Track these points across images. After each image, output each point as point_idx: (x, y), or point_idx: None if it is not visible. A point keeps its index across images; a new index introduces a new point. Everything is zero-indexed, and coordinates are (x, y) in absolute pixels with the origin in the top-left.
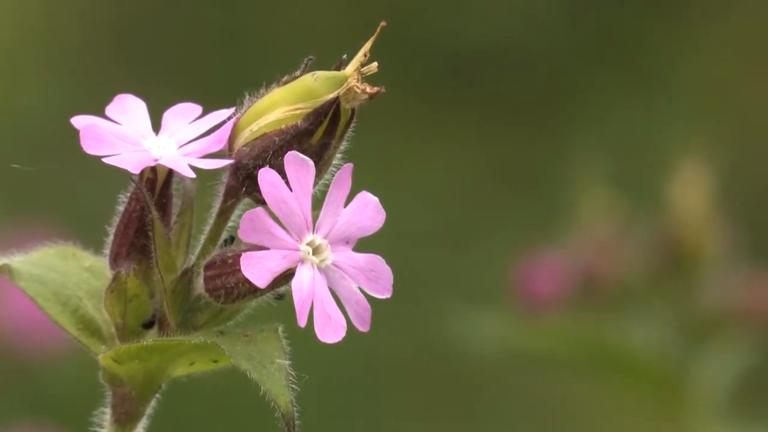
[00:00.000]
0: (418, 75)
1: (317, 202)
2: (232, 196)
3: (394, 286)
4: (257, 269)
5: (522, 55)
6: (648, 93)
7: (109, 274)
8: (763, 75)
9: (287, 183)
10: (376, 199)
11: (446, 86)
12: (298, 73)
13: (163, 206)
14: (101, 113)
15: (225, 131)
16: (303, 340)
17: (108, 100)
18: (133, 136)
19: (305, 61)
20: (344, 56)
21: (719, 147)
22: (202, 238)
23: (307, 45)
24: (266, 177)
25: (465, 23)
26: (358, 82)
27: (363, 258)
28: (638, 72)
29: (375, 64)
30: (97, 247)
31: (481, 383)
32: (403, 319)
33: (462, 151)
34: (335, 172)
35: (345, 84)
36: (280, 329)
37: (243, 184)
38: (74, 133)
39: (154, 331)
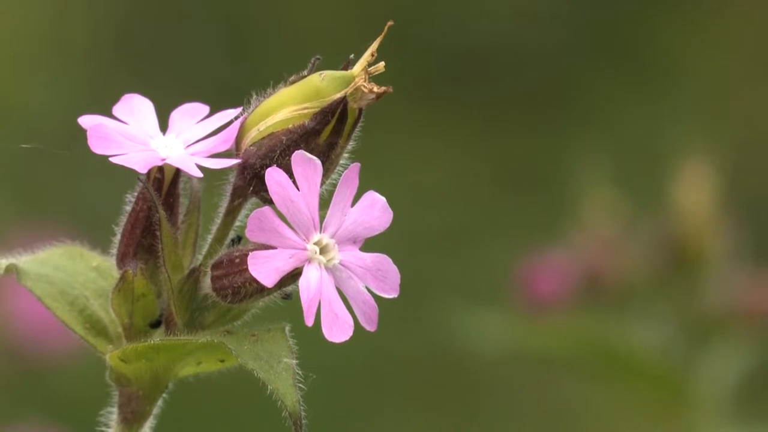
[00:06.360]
0: (421, 75)
1: (324, 202)
2: (239, 196)
3: (400, 285)
4: (264, 268)
5: (524, 56)
6: (652, 93)
7: (116, 273)
8: (765, 75)
9: (294, 182)
10: (383, 198)
11: (449, 86)
12: (305, 72)
13: (171, 206)
14: (106, 113)
15: (232, 131)
16: (310, 339)
17: (112, 99)
18: (140, 135)
19: (312, 61)
20: (351, 56)
21: (722, 147)
22: (210, 237)
23: (312, 44)
24: (274, 176)
25: (467, 23)
26: (365, 81)
27: (370, 257)
28: (641, 72)
29: (382, 63)
30: (104, 247)
31: (485, 383)
32: (408, 318)
33: (465, 151)
34: (342, 172)
35: (352, 84)
36: (287, 328)
37: (250, 183)
38: (79, 133)
39: (161, 330)
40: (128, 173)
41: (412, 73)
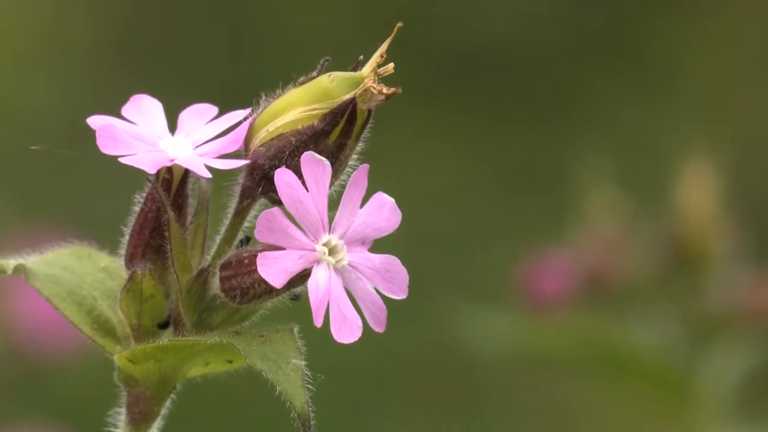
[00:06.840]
0: (421, 75)
1: (333, 203)
2: (248, 197)
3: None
4: (273, 269)
5: (524, 56)
6: (652, 93)
7: (124, 274)
8: (765, 74)
9: (303, 183)
10: (391, 199)
11: (449, 86)
12: (314, 73)
13: (179, 206)
14: (106, 113)
15: (241, 132)
16: (319, 340)
17: (112, 99)
18: (149, 136)
19: (321, 62)
20: (361, 57)
21: (724, 147)
22: (218, 238)
23: (312, 45)
24: (283, 177)
25: (467, 23)
26: (374, 82)
27: (379, 259)
28: (641, 72)
29: (391, 65)
30: (112, 248)
31: (486, 382)
32: (412, 319)
33: (465, 151)
34: (351, 173)
35: (361, 85)
36: (296, 329)
37: (259, 184)
38: (80, 133)
39: (169, 331)
40: (128, 174)
41: (412, 73)
